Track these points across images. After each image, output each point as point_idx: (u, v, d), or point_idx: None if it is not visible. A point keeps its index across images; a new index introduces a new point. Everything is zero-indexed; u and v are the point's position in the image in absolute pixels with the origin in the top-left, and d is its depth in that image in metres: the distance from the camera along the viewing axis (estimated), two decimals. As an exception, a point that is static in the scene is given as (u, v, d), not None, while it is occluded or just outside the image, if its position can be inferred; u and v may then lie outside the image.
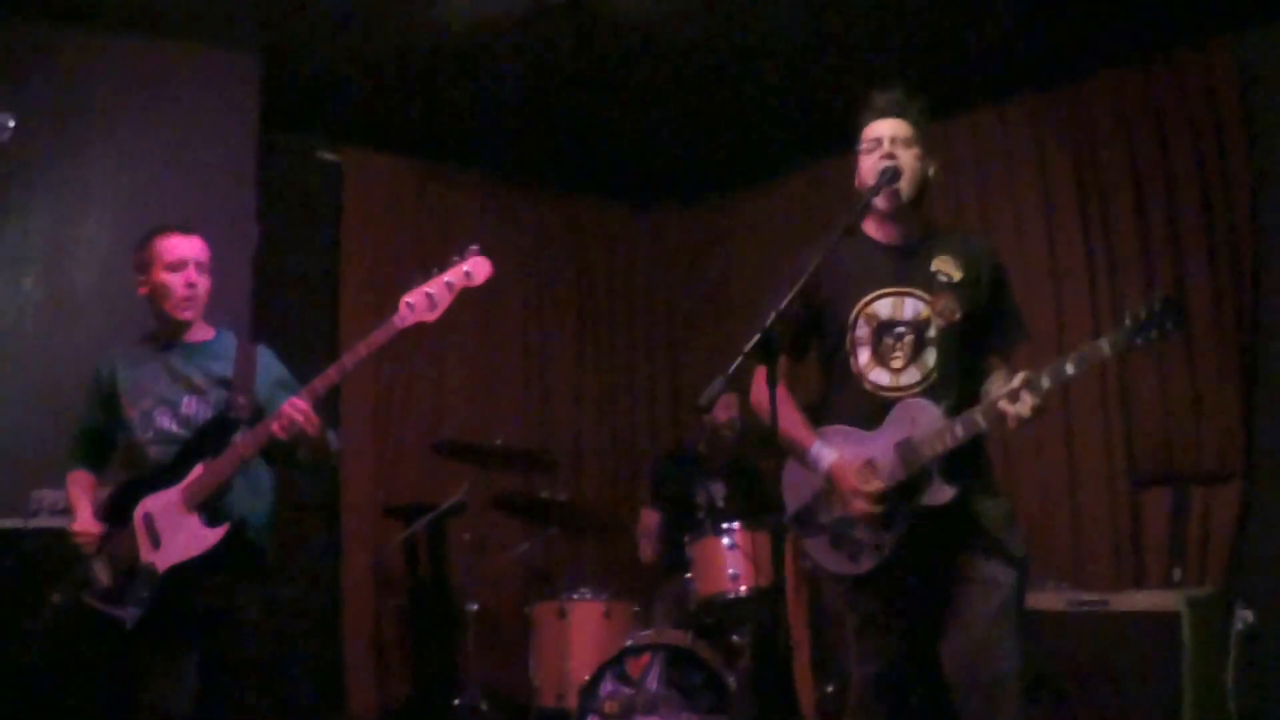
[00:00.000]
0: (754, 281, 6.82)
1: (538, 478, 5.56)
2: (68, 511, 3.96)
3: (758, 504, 5.25)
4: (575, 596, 4.81)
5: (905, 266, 3.02)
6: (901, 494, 2.88)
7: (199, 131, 4.98)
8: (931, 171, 3.04)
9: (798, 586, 4.57)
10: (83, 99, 4.75)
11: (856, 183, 3.11)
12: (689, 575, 4.72)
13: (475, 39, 5.12)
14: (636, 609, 4.85)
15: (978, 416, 2.80)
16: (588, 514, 5.73)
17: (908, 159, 2.99)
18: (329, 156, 6.13)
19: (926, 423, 2.86)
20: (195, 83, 5.01)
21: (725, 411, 5.53)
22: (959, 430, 2.81)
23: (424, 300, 3.07)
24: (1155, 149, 5.17)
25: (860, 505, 2.88)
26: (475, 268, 3.11)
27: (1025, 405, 2.71)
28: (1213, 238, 4.98)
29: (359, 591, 5.77)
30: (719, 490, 5.38)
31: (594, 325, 7.02)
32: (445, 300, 3.08)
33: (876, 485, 2.87)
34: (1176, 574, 4.93)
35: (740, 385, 5.50)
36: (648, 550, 5.44)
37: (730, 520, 4.72)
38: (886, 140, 3.00)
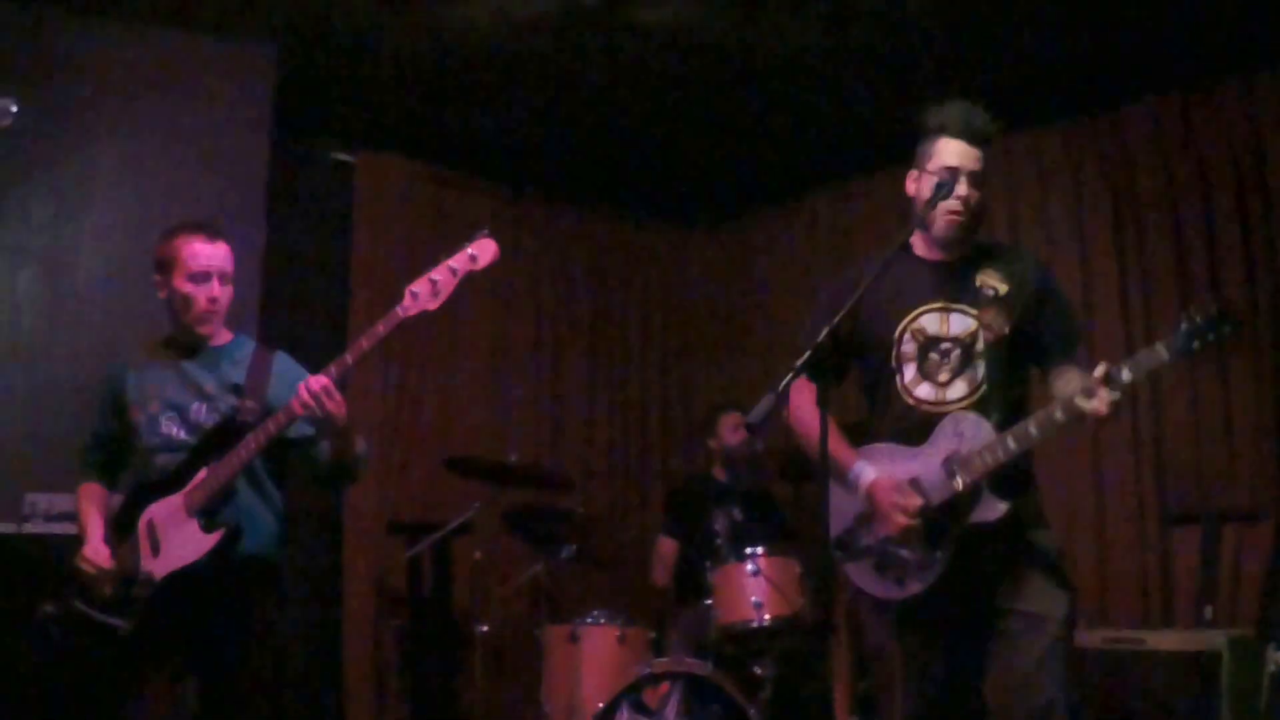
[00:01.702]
0: (774, 304, 6.84)
1: (547, 496, 5.49)
2: (63, 517, 3.98)
3: (776, 530, 5.23)
4: (588, 621, 4.70)
5: (950, 281, 3.00)
6: (950, 512, 2.84)
7: (210, 125, 4.91)
8: (988, 203, 3.04)
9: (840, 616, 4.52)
10: (89, 87, 4.66)
11: (911, 192, 3.07)
12: (709, 602, 4.65)
13: (501, 43, 5.09)
14: (652, 635, 4.77)
15: (1030, 428, 2.77)
16: (603, 535, 5.66)
17: (976, 196, 2.97)
18: (343, 158, 6.08)
19: (975, 437, 2.83)
20: (207, 75, 4.93)
21: (735, 434, 5.50)
22: (1011, 443, 2.78)
23: (428, 288, 2.99)
24: (1194, 178, 5.18)
25: (900, 520, 2.84)
26: (480, 250, 3.02)
27: (1103, 401, 2.66)
28: (1252, 271, 4.98)
29: (360, 610, 5.70)
30: (736, 516, 5.34)
31: (608, 344, 6.98)
32: (449, 286, 2.99)
33: (915, 500, 2.84)
34: (1208, 613, 4.85)
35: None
36: (663, 576, 5.38)
37: (752, 545, 4.66)
38: (963, 176, 2.95)
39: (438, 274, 3.00)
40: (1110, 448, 5.28)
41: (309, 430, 3.16)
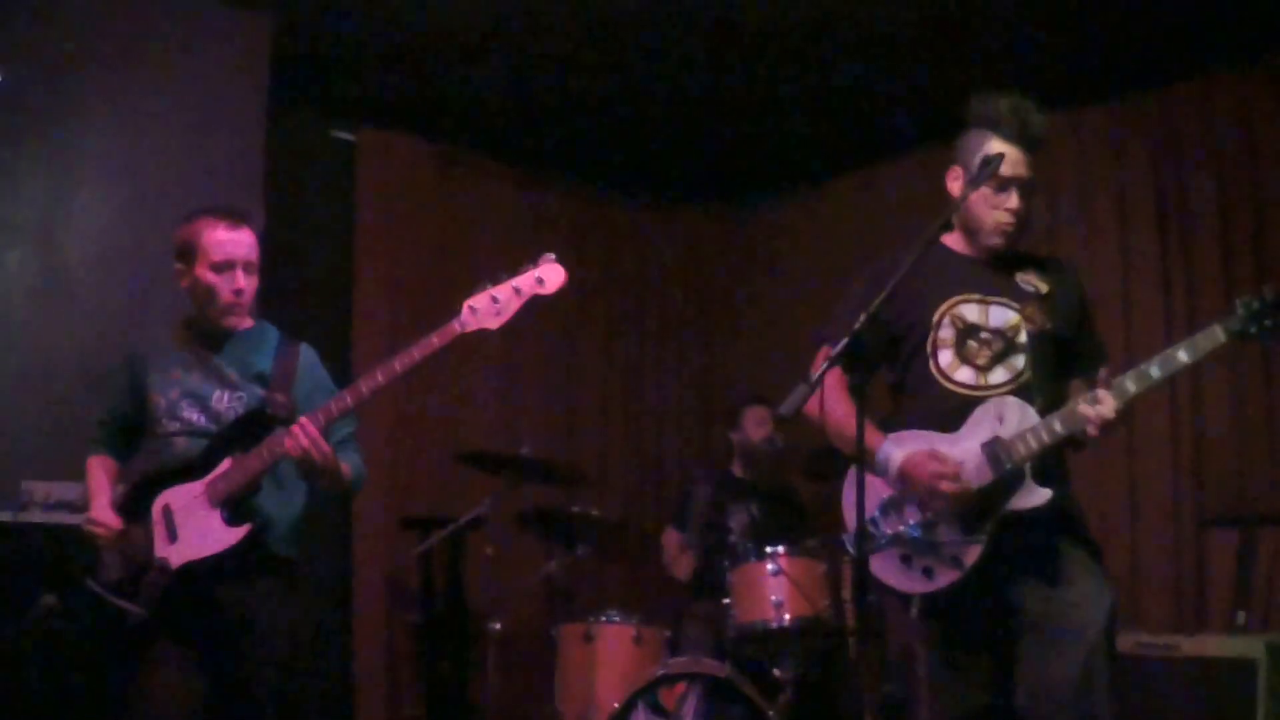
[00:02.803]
0: (793, 292, 6.73)
1: (562, 492, 5.42)
2: (62, 506, 3.92)
3: (796, 529, 5.14)
4: (603, 619, 4.64)
5: (990, 276, 2.98)
6: (988, 499, 2.78)
7: (205, 97, 4.83)
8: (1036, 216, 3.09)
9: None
10: (80, 56, 4.56)
11: (955, 192, 3.01)
12: (726, 601, 4.57)
13: (509, 17, 5.00)
14: (668, 634, 4.69)
15: (1081, 407, 2.72)
16: (618, 532, 5.59)
17: (1025, 208, 2.93)
18: (343, 136, 5.99)
19: (1017, 421, 2.78)
20: (201, 45, 4.85)
21: (759, 429, 5.43)
22: (1058, 426, 2.73)
23: (488, 305, 2.94)
24: (1245, 161, 5.06)
25: (945, 487, 2.77)
26: (548, 275, 2.97)
27: (1107, 406, 2.66)
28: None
29: (371, 606, 5.65)
30: (755, 512, 5.26)
31: (623, 334, 6.90)
32: (513, 307, 2.94)
33: (953, 465, 2.78)
34: (1241, 618, 4.79)
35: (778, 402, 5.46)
36: (681, 570, 5.31)
37: (773, 544, 4.57)
38: (1015, 188, 2.90)
39: (500, 292, 2.95)
40: (1147, 446, 5.18)
41: (341, 430, 3.13)
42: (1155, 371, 2.66)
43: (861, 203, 6.51)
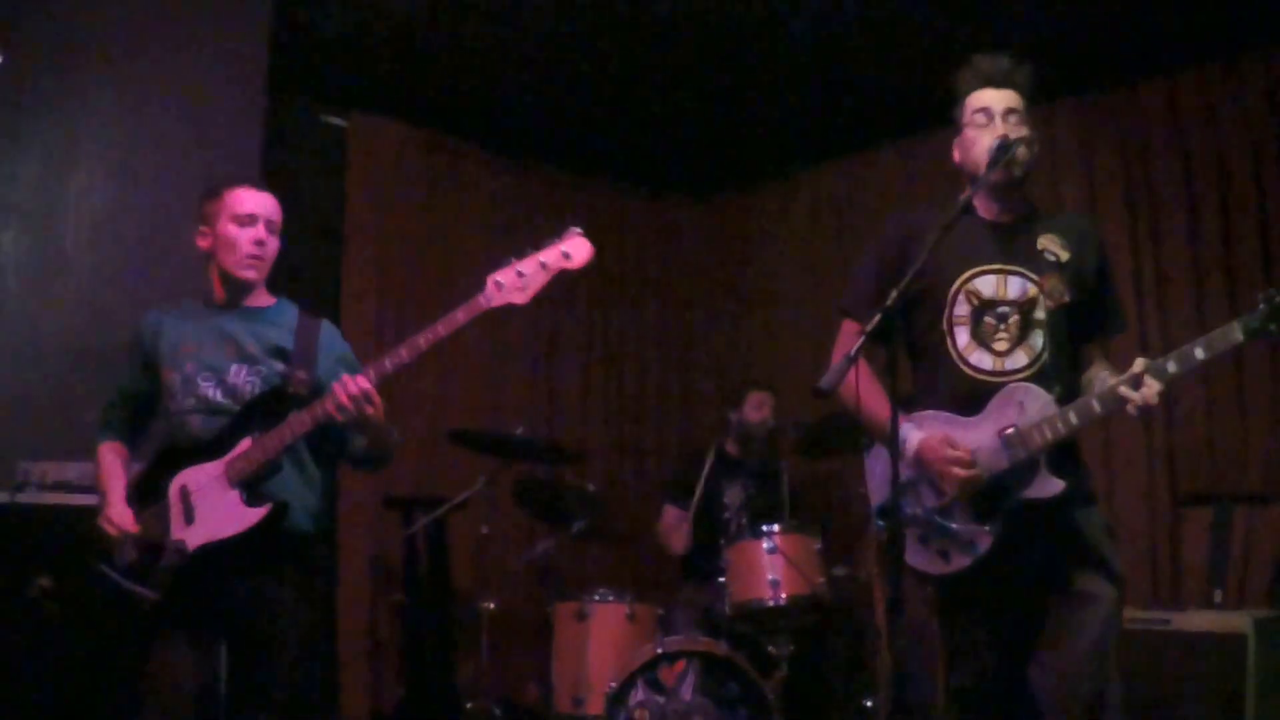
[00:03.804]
0: (773, 276, 6.84)
1: (553, 470, 5.47)
2: (60, 487, 3.87)
3: (788, 508, 5.24)
4: (596, 598, 4.71)
5: (1009, 243, 2.95)
6: (1002, 486, 2.80)
7: (203, 79, 4.79)
8: (1036, 147, 2.95)
9: (883, 586, 4.51)
10: (77, 37, 4.52)
11: (956, 156, 3.03)
12: (722, 579, 4.65)
13: (501, 6, 5.02)
14: (661, 612, 4.76)
15: (1094, 403, 2.73)
16: (614, 508, 5.65)
17: (1020, 134, 2.90)
18: (334, 121, 6.00)
19: (1036, 410, 2.78)
20: (199, 27, 4.81)
21: (757, 411, 5.54)
22: (1073, 418, 2.74)
23: (514, 279, 2.91)
24: (1211, 155, 5.20)
25: (957, 473, 2.79)
26: (574, 249, 2.94)
27: (1151, 390, 2.66)
28: (1269, 251, 5.02)
29: (355, 586, 5.66)
30: (748, 491, 5.36)
31: (605, 317, 6.97)
32: (539, 281, 2.92)
33: (964, 453, 2.79)
34: (1217, 596, 4.92)
35: (776, 384, 5.56)
36: (679, 543, 5.36)
37: (768, 522, 4.66)
38: (998, 115, 2.92)
39: (525, 266, 2.92)
40: (1121, 426, 5.24)
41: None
42: (1200, 353, 2.66)
43: (840, 190, 6.63)
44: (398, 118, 6.10)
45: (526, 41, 5.39)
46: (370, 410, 2.89)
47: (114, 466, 3.15)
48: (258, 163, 4.93)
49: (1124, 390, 2.68)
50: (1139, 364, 2.69)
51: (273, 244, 3.18)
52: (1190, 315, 5.18)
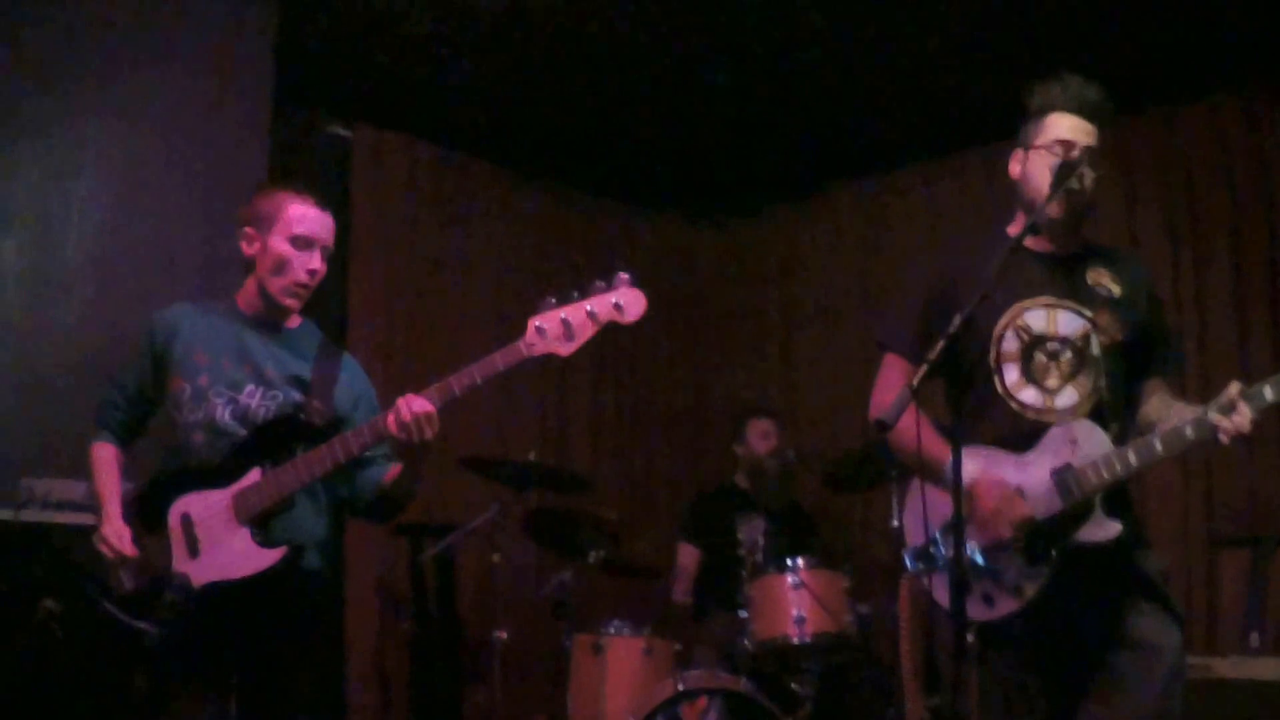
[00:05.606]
0: (788, 302, 6.78)
1: (564, 499, 5.39)
2: (64, 506, 3.78)
3: (808, 543, 5.15)
4: (612, 631, 4.61)
5: (1061, 277, 2.86)
6: (1055, 528, 2.70)
7: (207, 88, 4.77)
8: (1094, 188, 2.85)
9: (913, 632, 4.42)
10: (81, 47, 4.48)
11: (1014, 171, 2.92)
12: (743, 614, 4.55)
13: (510, 21, 4.99)
14: (678, 647, 4.67)
15: (1156, 442, 2.64)
16: (630, 541, 5.56)
17: (1092, 179, 2.81)
18: (340, 133, 5.94)
19: (1091, 448, 2.68)
20: (205, 34, 4.79)
21: (764, 441, 5.44)
22: (1132, 458, 2.65)
23: (558, 328, 2.71)
24: (1256, 181, 5.16)
25: (1003, 531, 2.69)
26: (627, 301, 2.73)
27: (1244, 418, 2.57)
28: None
29: (363, 614, 5.57)
30: (764, 527, 5.24)
31: (615, 341, 6.86)
32: (586, 332, 2.73)
33: (1024, 510, 2.69)
34: (1254, 639, 4.86)
35: (782, 415, 5.47)
36: (683, 591, 5.29)
37: (792, 556, 4.58)
38: (1080, 150, 2.80)
39: (572, 315, 2.72)
40: (1157, 466, 5.12)
41: (380, 449, 2.93)
42: (1269, 394, 2.58)
43: (857, 214, 6.57)
44: (405, 130, 6.05)
45: (540, 58, 5.35)
46: (430, 435, 2.74)
47: (110, 472, 2.97)
48: (263, 173, 4.91)
49: (1216, 417, 2.59)
50: (1234, 388, 2.60)
51: (323, 272, 3.00)
52: (1232, 346, 5.13)
